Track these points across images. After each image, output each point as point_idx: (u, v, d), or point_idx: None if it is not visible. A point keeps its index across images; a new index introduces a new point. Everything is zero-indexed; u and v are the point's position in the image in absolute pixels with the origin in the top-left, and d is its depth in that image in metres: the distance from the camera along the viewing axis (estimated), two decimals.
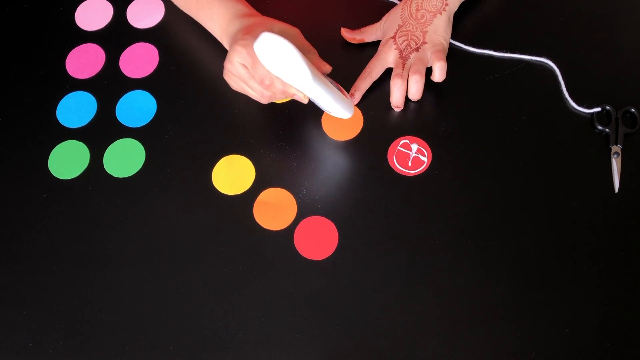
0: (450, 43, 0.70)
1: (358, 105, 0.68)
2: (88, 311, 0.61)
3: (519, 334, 0.56)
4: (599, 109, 0.66)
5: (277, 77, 0.56)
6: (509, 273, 0.59)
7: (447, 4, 0.67)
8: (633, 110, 0.65)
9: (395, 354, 0.56)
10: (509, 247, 0.60)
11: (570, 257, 0.59)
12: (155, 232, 0.64)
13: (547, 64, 0.69)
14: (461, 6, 0.70)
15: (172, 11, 0.77)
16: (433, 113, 0.67)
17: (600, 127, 0.65)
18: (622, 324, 0.56)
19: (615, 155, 0.63)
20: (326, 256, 0.61)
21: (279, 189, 0.65)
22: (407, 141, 0.66)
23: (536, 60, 0.69)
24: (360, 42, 0.71)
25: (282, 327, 0.58)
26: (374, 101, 0.69)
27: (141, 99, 0.71)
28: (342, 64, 0.68)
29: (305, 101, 0.60)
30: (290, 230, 0.62)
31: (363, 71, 0.68)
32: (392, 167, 0.65)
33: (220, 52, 0.73)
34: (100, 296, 0.61)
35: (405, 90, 0.66)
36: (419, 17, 0.66)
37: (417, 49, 0.66)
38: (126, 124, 0.70)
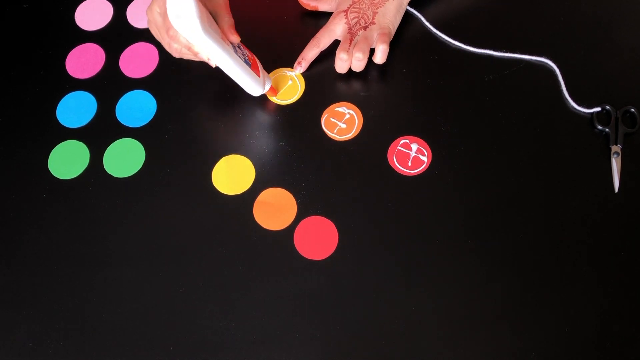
0: (450, 43, 0.70)
1: (358, 104, 0.68)
2: (88, 311, 0.61)
3: (519, 334, 0.56)
4: (599, 109, 0.66)
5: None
6: (508, 273, 0.59)
7: None
8: (633, 110, 0.65)
9: (395, 354, 0.56)
10: (509, 247, 0.60)
11: (570, 257, 0.59)
12: (155, 232, 0.64)
13: (547, 64, 0.69)
14: (460, 6, 0.70)
15: None
16: (433, 113, 0.67)
17: (600, 127, 0.65)
18: (622, 324, 0.56)
19: (615, 155, 0.63)
20: (326, 256, 0.61)
21: (279, 189, 0.65)
22: (407, 141, 0.66)
23: (536, 60, 0.69)
24: (314, 9, 0.74)
25: (282, 327, 0.58)
26: (374, 101, 0.69)
27: (141, 99, 0.71)
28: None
29: (212, 65, 0.61)
30: (290, 230, 0.62)
31: (311, 40, 0.70)
32: (392, 166, 0.65)
33: None
34: (100, 296, 0.61)
35: (349, 64, 0.68)
36: (371, 4, 0.69)
37: (364, 27, 0.68)
38: (126, 124, 0.70)
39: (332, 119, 0.68)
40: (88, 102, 0.72)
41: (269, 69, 0.70)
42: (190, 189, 0.66)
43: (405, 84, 0.70)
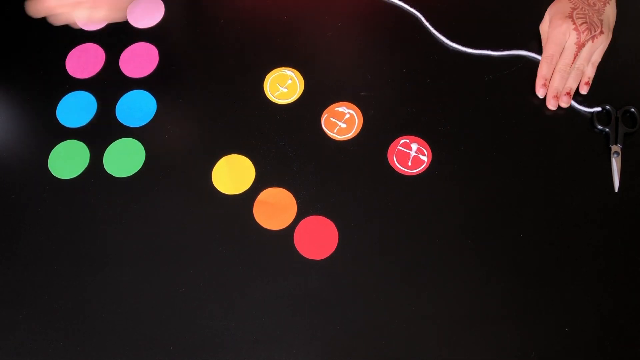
0: (449, 45, 0.70)
1: (358, 104, 0.68)
2: (88, 311, 0.61)
3: (519, 334, 0.56)
4: (599, 109, 0.66)
5: None
6: (508, 273, 0.59)
7: None
8: (633, 109, 0.65)
9: (395, 354, 0.56)
10: (509, 247, 0.60)
11: (570, 256, 0.59)
12: (155, 232, 0.64)
13: None
14: (460, 6, 0.70)
15: (172, 11, 0.77)
16: (433, 113, 0.67)
17: (600, 127, 0.65)
18: (623, 324, 0.56)
19: (615, 155, 0.63)
20: (326, 256, 0.61)
21: (279, 188, 0.65)
22: (407, 140, 0.66)
23: (536, 59, 0.69)
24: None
25: (282, 327, 0.58)
26: (374, 101, 0.69)
27: (141, 98, 0.71)
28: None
29: None
30: (290, 230, 0.62)
31: (543, 59, 0.63)
32: (392, 166, 0.65)
33: (220, 51, 0.73)
34: (100, 296, 0.61)
35: (560, 86, 0.61)
36: (592, 4, 0.61)
37: (592, 38, 0.60)
38: (126, 124, 0.70)
39: (332, 119, 0.68)
40: (88, 102, 0.72)
41: (268, 68, 0.70)
42: (190, 189, 0.66)
43: (405, 84, 0.70)
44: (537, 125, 0.66)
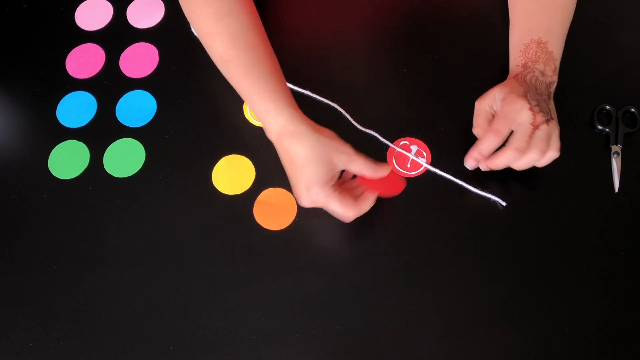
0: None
1: (358, 104, 0.68)
2: (88, 311, 0.61)
3: (519, 334, 0.56)
4: (599, 109, 0.66)
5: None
6: (509, 273, 0.59)
7: (551, 93, 0.61)
8: (633, 110, 0.65)
9: (395, 354, 0.56)
10: (509, 247, 0.60)
11: (570, 256, 0.59)
12: (155, 232, 0.64)
13: None
14: (460, 6, 0.70)
15: (172, 11, 0.77)
16: (433, 113, 0.67)
17: (600, 127, 0.65)
18: (623, 324, 0.56)
19: (615, 155, 0.63)
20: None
21: (279, 189, 0.65)
22: (407, 142, 0.66)
23: None
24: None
25: (282, 327, 0.58)
26: (374, 101, 0.68)
27: (141, 99, 0.71)
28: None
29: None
30: (290, 230, 0.62)
31: (489, 132, 0.59)
32: (392, 168, 0.65)
33: None
34: (100, 296, 0.61)
35: (512, 162, 0.58)
36: (540, 93, 0.59)
37: (547, 122, 0.57)
38: (126, 124, 0.70)
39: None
40: (88, 102, 0.72)
41: None
42: (190, 189, 0.66)
43: (405, 84, 0.69)
44: None
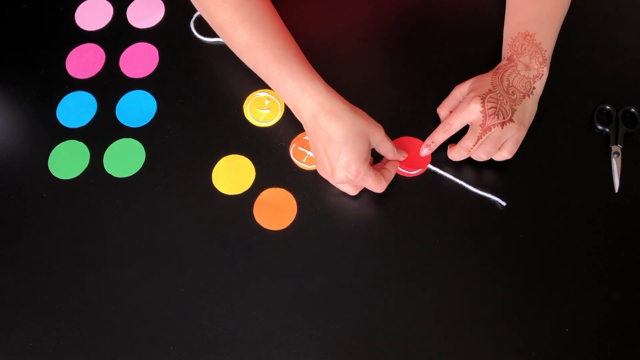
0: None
1: (358, 105, 0.68)
2: (88, 311, 0.61)
3: (519, 334, 0.56)
4: (599, 109, 0.66)
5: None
6: (509, 273, 0.59)
7: (534, 88, 0.61)
8: (633, 110, 0.65)
9: (395, 354, 0.56)
10: (509, 247, 0.60)
11: (570, 257, 0.59)
12: (156, 232, 0.64)
13: None
14: (459, 6, 0.70)
15: (172, 11, 0.77)
16: (433, 113, 0.67)
17: (600, 127, 0.65)
18: (623, 324, 0.56)
19: (615, 155, 0.63)
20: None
21: (279, 189, 0.65)
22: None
23: None
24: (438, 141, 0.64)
25: (282, 327, 0.58)
26: (373, 103, 0.68)
27: (141, 99, 0.71)
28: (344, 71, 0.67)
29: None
30: (290, 230, 0.62)
31: (442, 124, 0.63)
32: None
33: (220, 51, 0.73)
34: (100, 296, 0.61)
35: (464, 158, 0.62)
36: (510, 93, 0.60)
37: (501, 124, 0.59)
38: (126, 124, 0.70)
39: None
40: (88, 102, 0.72)
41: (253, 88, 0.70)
42: (190, 189, 0.66)
43: (405, 84, 0.69)
44: (537, 125, 0.66)
